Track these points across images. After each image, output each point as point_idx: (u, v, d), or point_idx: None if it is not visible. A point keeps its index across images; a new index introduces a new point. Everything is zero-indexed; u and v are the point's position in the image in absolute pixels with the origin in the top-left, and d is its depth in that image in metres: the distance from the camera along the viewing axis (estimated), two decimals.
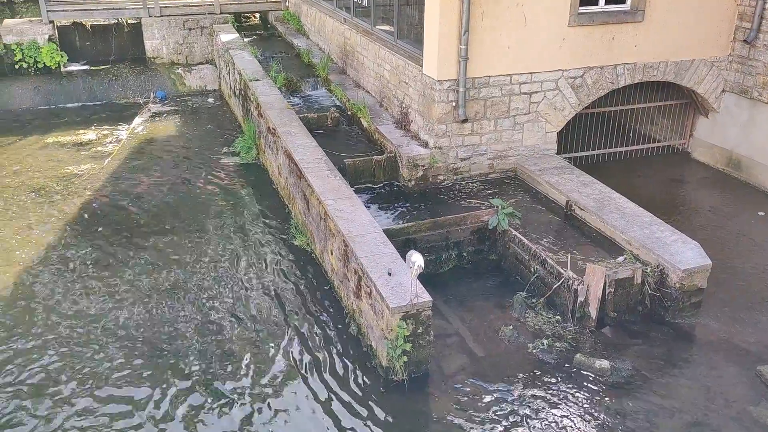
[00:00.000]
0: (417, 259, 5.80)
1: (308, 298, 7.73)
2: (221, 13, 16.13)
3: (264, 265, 8.45)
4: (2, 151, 12.05)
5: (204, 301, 7.69)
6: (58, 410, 6.06)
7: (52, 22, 14.90)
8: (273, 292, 7.85)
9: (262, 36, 16.65)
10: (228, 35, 15.02)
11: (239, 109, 13.27)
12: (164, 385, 6.35)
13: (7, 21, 15.26)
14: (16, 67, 14.52)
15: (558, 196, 8.59)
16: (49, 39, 14.65)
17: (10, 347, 6.89)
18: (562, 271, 7.05)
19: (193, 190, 10.60)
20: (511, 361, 6.48)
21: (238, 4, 16.64)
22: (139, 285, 7.99)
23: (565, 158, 9.67)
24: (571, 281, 6.94)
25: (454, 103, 8.81)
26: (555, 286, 7.10)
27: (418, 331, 6.04)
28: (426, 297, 6.00)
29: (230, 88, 14.15)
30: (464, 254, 8.10)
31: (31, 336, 7.06)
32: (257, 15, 18.16)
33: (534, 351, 6.59)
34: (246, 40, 15.33)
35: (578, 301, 6.89)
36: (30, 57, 14.49)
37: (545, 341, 6.68)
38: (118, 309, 7.53)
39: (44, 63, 14.58)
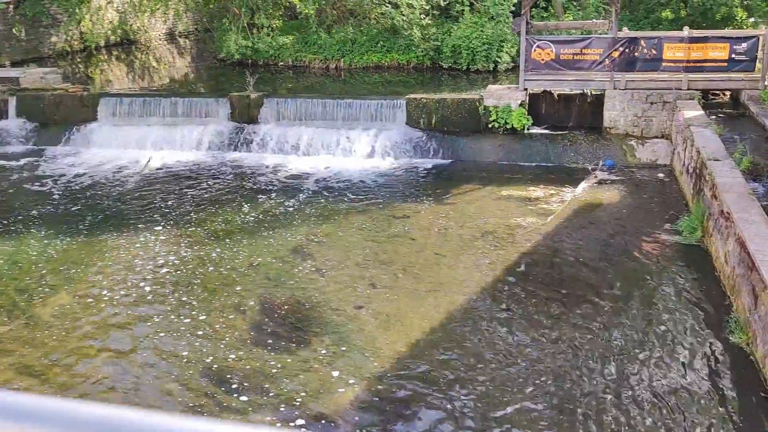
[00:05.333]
0: None
1: (739, 404, 6.92)
2: (688, 89, 15.72)
3: (687, 355, 7.88)
4: (466, 196, 13.95)
5: (611, 379, 7.57)
6: None
7: (526, 89, 16.69)
8: (696, 388, 7.26)
9: (729, 115, 15.62)
10: (691, 111, 14.53)
11: (689, 188, 12.69)
12: None
13: (490, 87, 17.68)
14: (489, 126, 16.66)
15: None
16: (520, 104, 16.43)
17: (427, 367, 7.94)
18: None
19: (625, 261, 10.53)
20: None
21: (709, 80, 15.97)
22: (548, 342, 8.32)
23: None
24: None
25: None
26: None
27: None
28: None
29: (683, 165, 13.64)
30: None
31: (461, 363, 8.01)
32: (727, 93, 17.12)
33: None
34: (710, 117, 14.60)
35: None
36: (502, 118, 16.47)
37: None
38: (530, 357, 7.98)
39: (512, 125, 16.39)
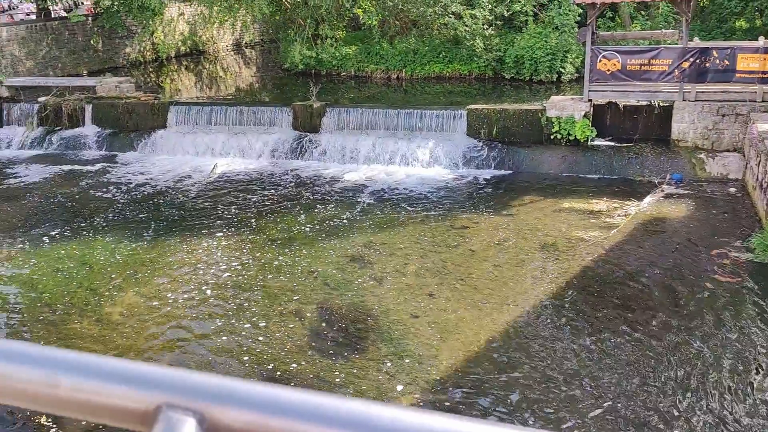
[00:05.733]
0: None
1: None
2: (763, 101, 15.11)
3: (759, 380, 7.54)
4: (526, 208, 13.78)
5: (678, 403, 7.31)
6: None
7: (590, 100, 16.37)
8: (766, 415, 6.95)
9: None
10: (766, 124, 13.94)
11: (762, 204, 12.17)
12: None
13: (553, 97, 17.43)
14: (551, 137, 16.41)
15: None
16: (584, 115, 16.12)
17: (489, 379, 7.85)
18: None
19: (693, 278, 10.17)
20: None
21: None
22: (611, 360, 8.10)
23: None
24: None
25: None
26: None
27: None
28: None
29: (756, 179, 13.09)
30: None
31: (512, 380, 7.90)
32: None
33: None
34: None
35: None
36: (564, 130, 16.20)
37: None
38: (592, 375, 7.79)
39: (575, 136, 16.10)
